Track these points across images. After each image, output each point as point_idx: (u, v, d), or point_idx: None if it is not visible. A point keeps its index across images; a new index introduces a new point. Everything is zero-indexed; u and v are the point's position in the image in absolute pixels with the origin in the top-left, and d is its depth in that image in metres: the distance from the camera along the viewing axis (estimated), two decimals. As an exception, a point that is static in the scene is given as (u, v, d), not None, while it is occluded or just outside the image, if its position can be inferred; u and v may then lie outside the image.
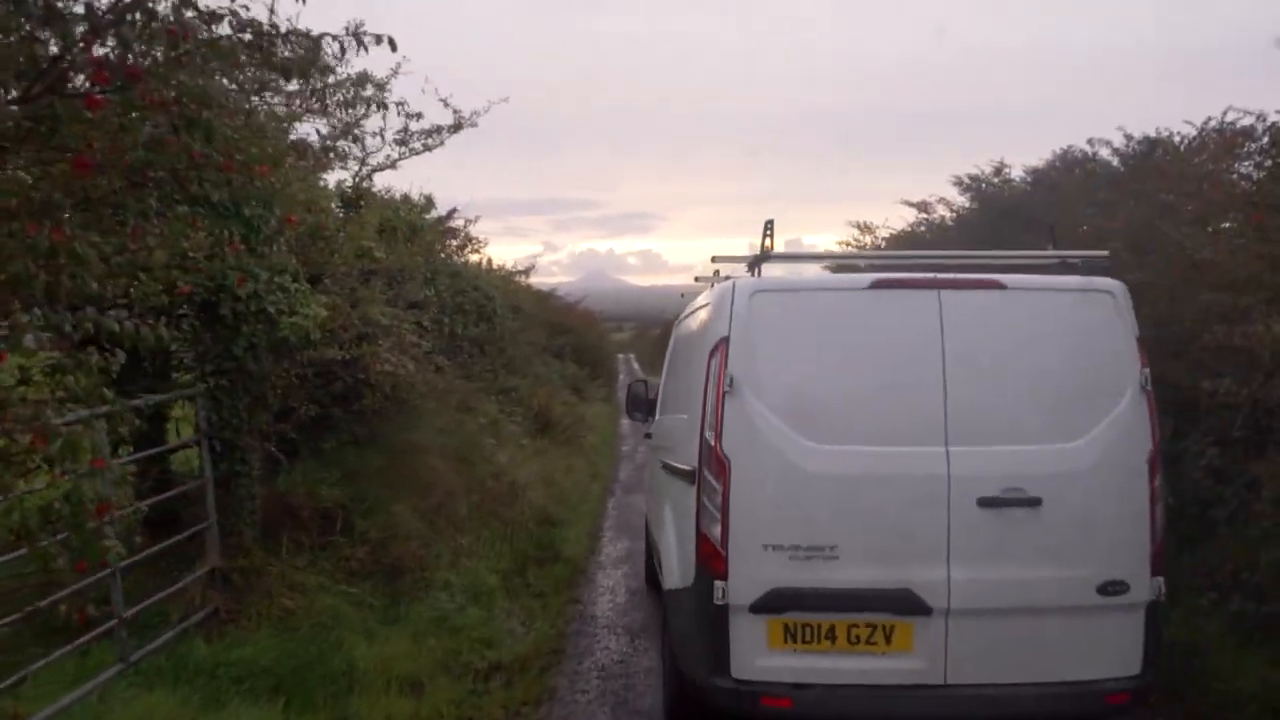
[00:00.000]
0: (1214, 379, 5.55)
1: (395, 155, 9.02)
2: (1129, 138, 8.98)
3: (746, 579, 3.16)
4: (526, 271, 21.62)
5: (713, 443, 3.26)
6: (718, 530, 3.21)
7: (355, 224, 7.29)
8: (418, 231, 10.66)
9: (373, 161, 8.92)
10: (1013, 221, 9.38)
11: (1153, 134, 8.80)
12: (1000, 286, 3.38)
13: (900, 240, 12.73)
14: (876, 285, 3.43)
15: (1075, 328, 3.31)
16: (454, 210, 14.64)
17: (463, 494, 7.50)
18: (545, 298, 26.83)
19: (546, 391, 15.05)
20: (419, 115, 8.90)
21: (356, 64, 7.32)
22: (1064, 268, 3.73)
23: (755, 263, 3.68)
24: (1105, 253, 3.84)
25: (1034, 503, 3.18)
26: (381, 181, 10.46)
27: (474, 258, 16.43)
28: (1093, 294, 3.33)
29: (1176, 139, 8.54)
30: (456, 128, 9.35)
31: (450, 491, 7.21)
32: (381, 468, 6.91)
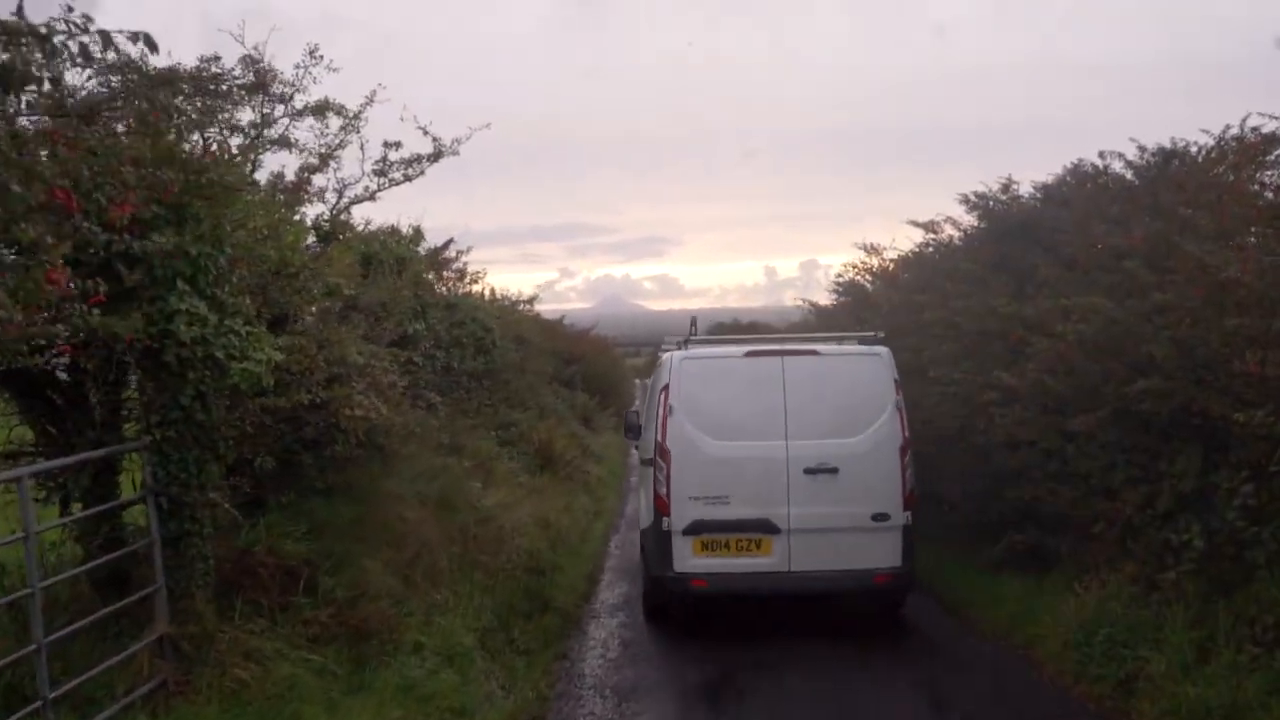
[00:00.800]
0: (1246, 409, 5.10)
1: (374, 186, 8.70)
2: (1143, 150, 8.55)
3: (679, 516, 6.44)
4: (531, 300, 21.31)
5: (661, 441, 6.59)
6: (664, 490, 6.52)
7: (324, 260, 6.94)
8: (405, 264, 10.34)
9: (350, 194, 8.58)
10: (1022, 241, 8.94)
11: (1168, 145, 8.36)
12: (816, 354, 6.93)
13: (908, 262, 12.39)
14: (748, 354, 6.97)
15: (859, 374, 6.68)
16: (450, 241, 14.35)
17: (443, 544, 7.08)
18: (553, 326, 26.54)
19: (548, 425, 14.67)
20: (398, 144, 8.59)
21: (315, 91, 7.04)
22: (864, 340, 7.38)
23: (685, 342, 7.37)
24: (882, 333, 7.32)
25: (834, 471, 6.57)
26: (361, 214, 10.14)
27: (475, 288, 16.20)
28: (870, 356, 6.70)
29: (1194, 149, 8.11)
30: (436, 156, 9.03)
31: (428, 542, 6.80)
32: (353, 519, 6.51)
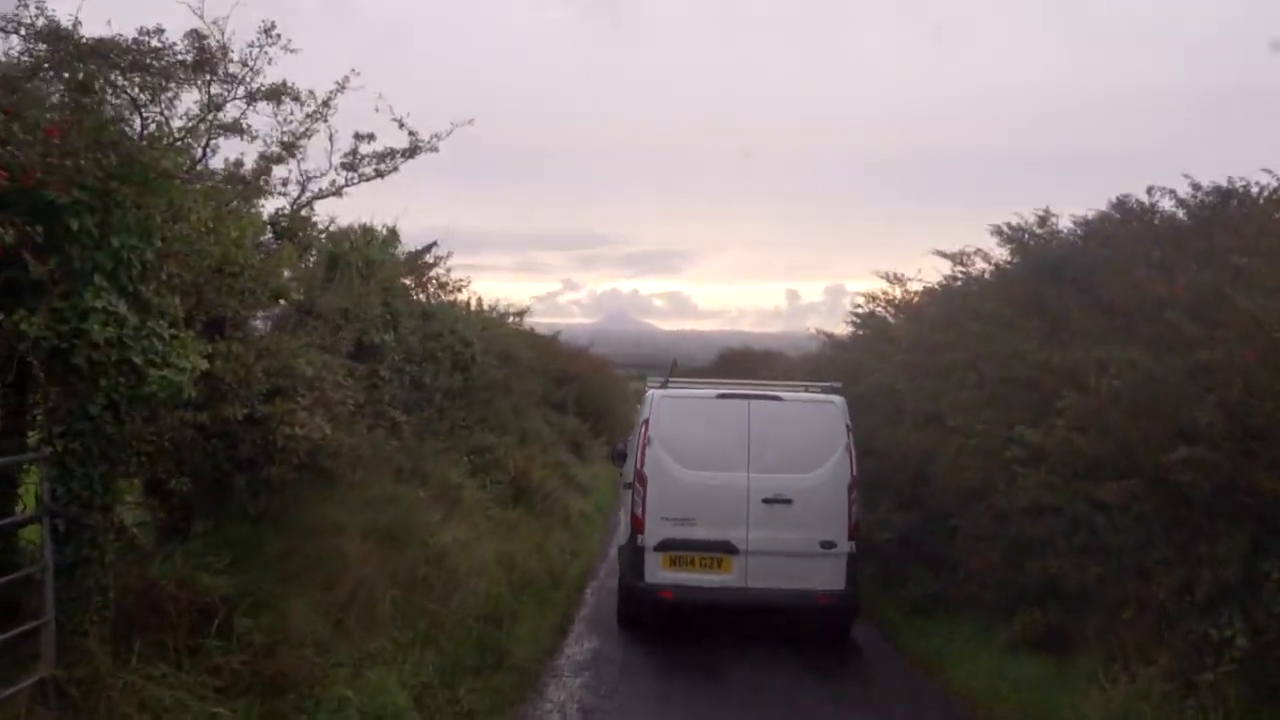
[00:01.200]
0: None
1: (342, 181, 8.50)
2: (1196, 187, 8.30)
3: (652, 534, 7.94)
4: (522, 313, 21.13)
5: (640, 468, 8.07)
6: (640, 510, 7.98)
7: (274, 259, 6.72)
8: (375, 267, 10.14)
9: (315, 188, 8.37)
10: (1057, 281, 8.70)
11: (1224, 184, 8.11)
12: (778, 399, 8.62)
13: (933, 296, 12.17)
14: (719, 396, 8.62)
15: (815, 419, 8.28)
16: (432, 245, 14.15)
17: (385, 585, 6.79)
18: (547, 343, 26.33)
19: (527, 453, 14.38)
20: (370, 136, 8.39)
21: (271, 73, 6.83)
22: (824, 389, 9.20)
23: (665, 382, 9.06)
24: (839, 384, 9.09)
25: (789, 502, 8.14)
26: (327, 210, 9.94)
27: (459, 297, 16.02)
28: (826, 403, 8.30)
29: (1254, 189, 7.87)
30: (412, 151, 8.84)
31: (367, 582, 6.51)
32: (283, 552, 6.23)
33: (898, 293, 13.69)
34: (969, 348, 9.08)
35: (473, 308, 18.67)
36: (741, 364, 37.27)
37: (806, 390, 9.41)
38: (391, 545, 7.37)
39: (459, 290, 15.76)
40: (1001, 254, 10.23)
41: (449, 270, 15.53)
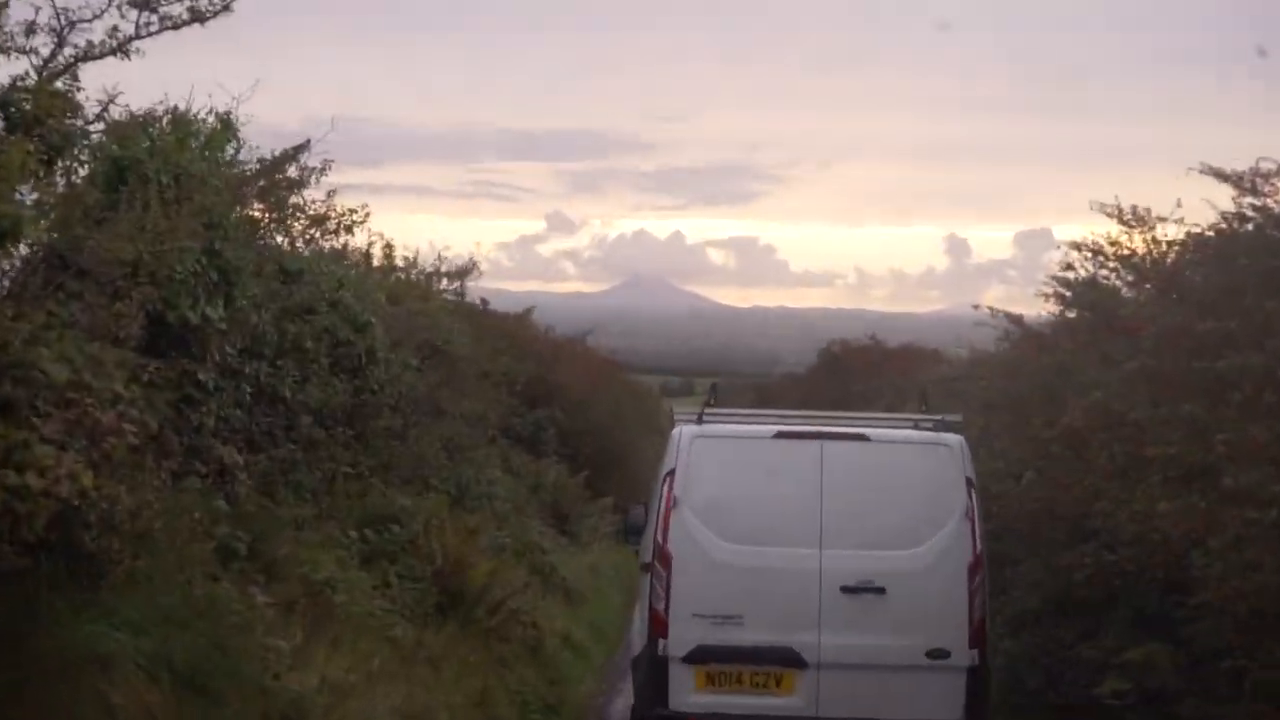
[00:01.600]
0: None
1: (129, 27, 8.45)
2: None
3: (679, 638, 9.16)
4: (463, 275, 21.30)
5: (662, 542, 9.23)
6: (662, 604, 9.16)
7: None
8: (192, 184, 10.13)
9: (79, 40, 8.33)
10: None
11: None
12: (865, 439, 10.01)
13: (1203, 250, 12.01)
14: (778, 435, 10.14)
15: (919, 469, 9.64)
16: (303, 148, 14.19)
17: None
18: (512, 327, 26.50)
19: (466, 525, 14.38)
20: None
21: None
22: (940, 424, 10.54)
23: (700, 415, 10.39)
24: (959, 417, 10.68)
25: (880, 590, 9.33)
26: (109, 81, 9.83)
27: (352, 242, 16.09)
28: (938, 446, 9.60)
29: None
30: (253, -22, 8.76)
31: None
32: (-2, 699, 6.17)
33: (1138, 243, 13.57)
34: (1271, 345, 9.04)
35: (375, 262, 18.87)
36: (859, 370, 37.51)
37: (912, 426, 10.77)
38: (200, 694, 7.30)
39: (348, 229, 15.87)
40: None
41: (332, 195, 15.74)
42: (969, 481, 9.99)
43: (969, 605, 9.77)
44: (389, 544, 13.24)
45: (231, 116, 11.62)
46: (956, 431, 10.42)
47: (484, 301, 27.27)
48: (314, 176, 13.97)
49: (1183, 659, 10.53)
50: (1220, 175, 11.63)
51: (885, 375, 33.24)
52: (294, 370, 12.48)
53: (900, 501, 10.08)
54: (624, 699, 13.26)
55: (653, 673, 9.85)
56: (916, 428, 10.69)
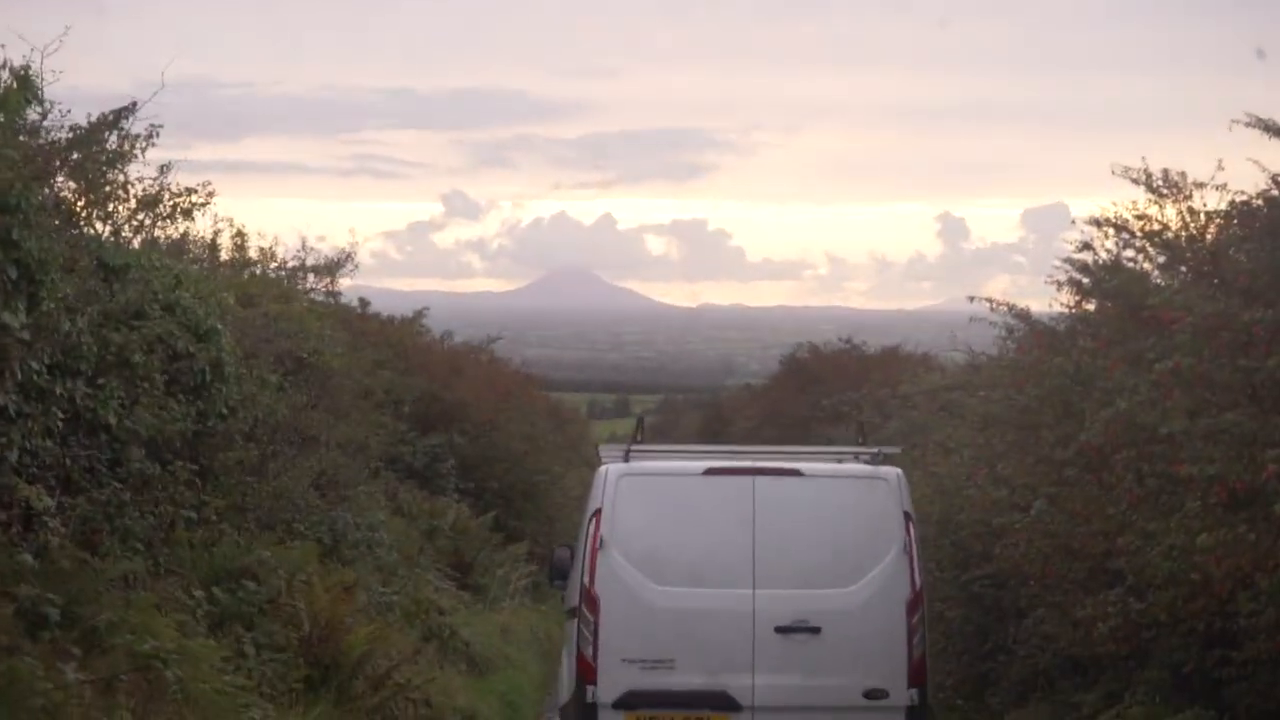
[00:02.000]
0: None
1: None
2: None
3: (609, 684, 11.06)
4: (333, 271, 21.14)
5: (589, 585, 11.16)
6: (590, 649, 11.06)
7: None
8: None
9: None
10: None
11: None
12: (799, 474, 11.87)
13: (1248, 224, 12.05)
14: (708, 472, 11.91)
15: (855, 504, 11.52)
16: (126, 112, 13.94)
17: None
18: (396, 335, 26.36)
19: (339, 581, 14.20)
20: None
21: None
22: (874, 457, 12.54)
23: (627, 452, 12.20)
24: (897, 449, 13.07)
25: (816, 630, 11.16)
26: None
27: (194, 229, 15.88)
28: (874, 480, 11.57)
29: None
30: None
31: None
32: None
33: (1171, 216, 13.57)
34: None
35: (223, 254, 18.66)
36: (831, 380, 37.48)
37: (845, 460, 12.57)
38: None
39: (186, 214, 15.65)
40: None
41: (165, 171, 15.51)
42: (907, 515, 11.74)
43: (908, 643, 11.50)
44: (243, 605, 13.08)
45: (32, 74, 11.35)
46: (894, 464, 12.18)
47: (363, 303, 27.12)
48: (138, 146, 13.62)
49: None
50: (1271, 129, 11.65)
51: (864, 386, 33.22)
52: (119, 390, 12.25)
53: (836, 538, 11.76)
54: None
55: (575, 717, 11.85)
56: (856, 460, 12.43)
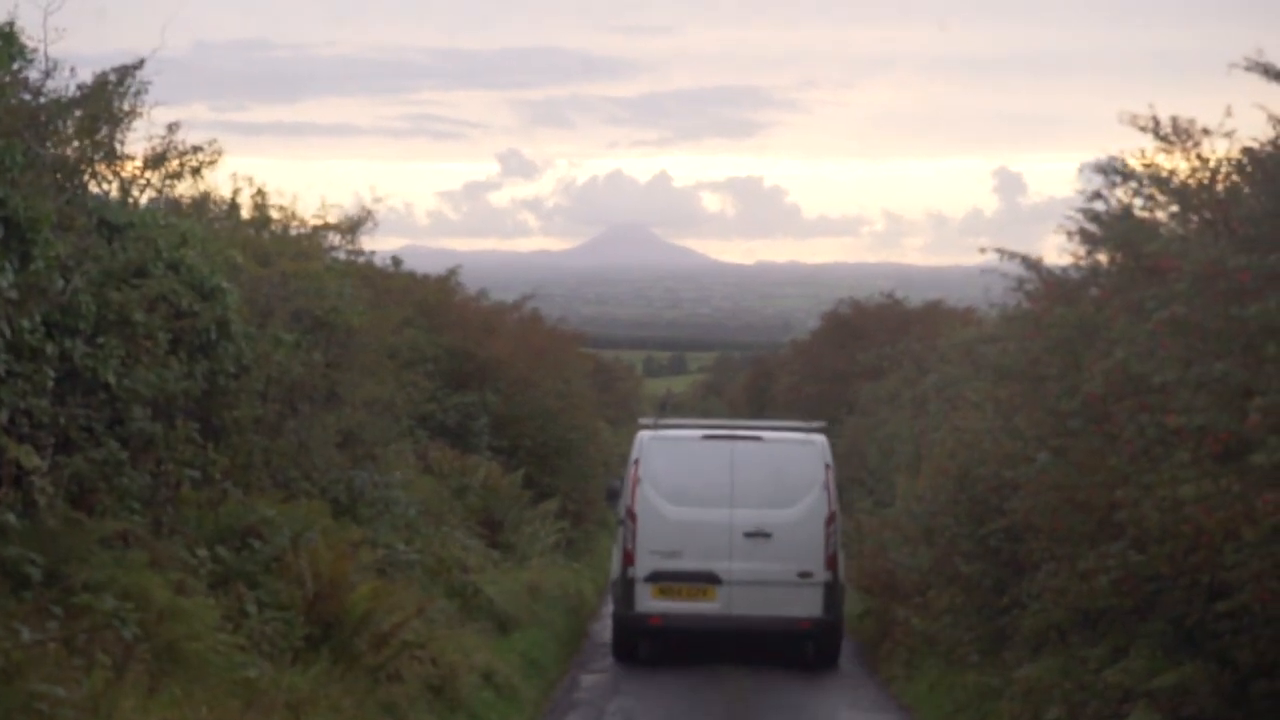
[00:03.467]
0: None
1: None
2: None
3: (642, 566, 19.82)
4: (354, 229, 21.06)
5: (631, 506, 20.03)
6: (631, 545, 19.94)
7: None
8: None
9: None
10: None
11: None
12: (760, 439, 21.26)
13: (1258, 171, 11.81)
14: (704, 438, 21.14)
15: (794, 458, 20.59)
16: (132, 70, 13.92)
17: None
18: (429, 293, 26.27)
19: (345, 540, 14.15)
20: None
21: None
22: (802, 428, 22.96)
23: (655, 423, 22.37)
24: (823, 423, 23.14)
25: (768, 535, 19.89)
26: None
27: (204, 187, 15.82)
28: (807, 444, 20.74)
29: None
30: None
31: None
32: None
33: (1181, 165, 13.31)
34: None
35: (245, 214, 18.63)
36: (872, 334, 37.20)
37: (790, 431, 20.83)
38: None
39: (195, 172, 15.61)
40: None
41: (174, 129, 15.48)
42: (827, 466, 19.85)
43: (825, 544, 19.38)
44: (247, 564, 13.15)
45: (14, 27, 11.29)
46: (820, 433, 20.77)
47: (396, 261, 27.03)
48: (139, 106, 13.57)
49: (1229, 680, 10.41)
50: (1272, 72, 11.42)
51: (905, 340, 32.85)
52: (119, 349, 12.21)
53: (781, 478, 19.69)
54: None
55: (625, 589, 19.55)
56: (797, 432, 21.00)
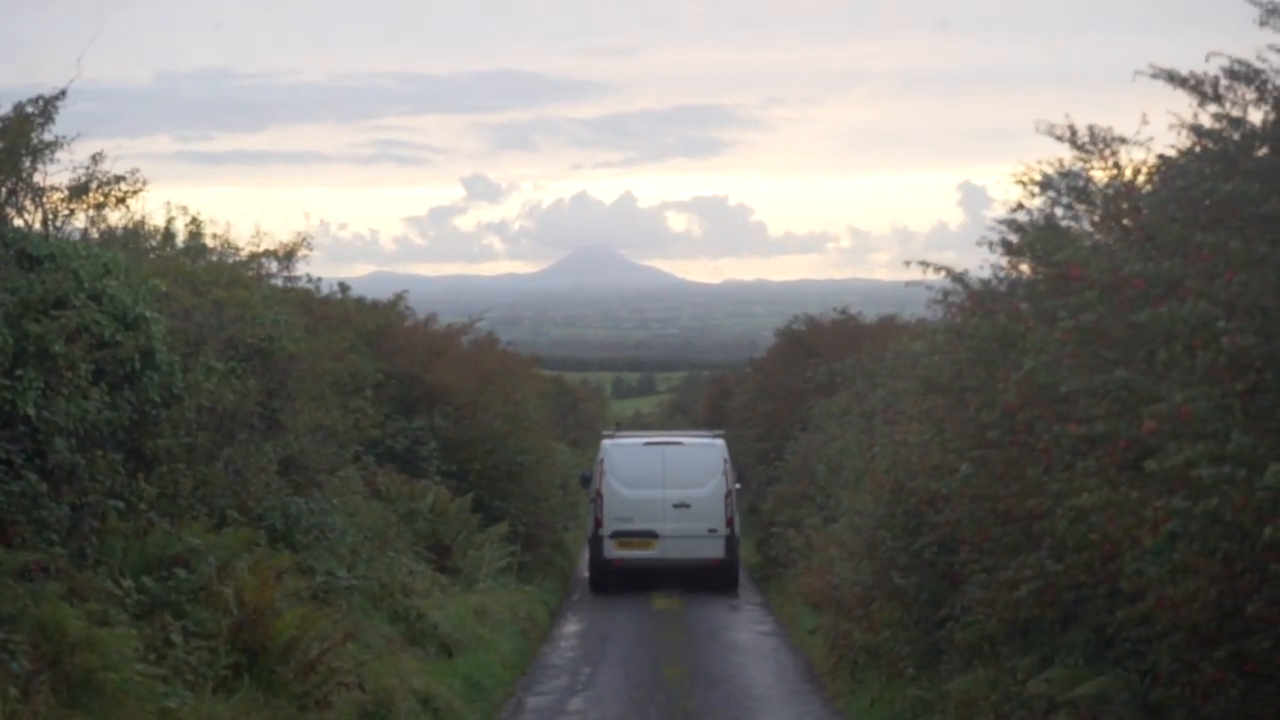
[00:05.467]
0: None
1: None
2: None
3: (608, 528, 31.68)
4: (291, 254, 21.00)
5: (599, 489, 31.96)
6: (600, 515, 31.74)
7: None
8: None
9: None
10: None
11: None
12: (681, 444, 34.66)
13: (1167, 179, 11.85)
14: (645, 444, 34.30)
15: (704, 454, 33.33)
16: (53, 100, 13.86)
17: None
18: (365, 320, 26.21)
19: (267, 570, 14.05)
20: None
21: None
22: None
23: (613, 433, 36.91)
24: (722, 430, 38.74)
25: (688, 506, 31.98)
26: None
27: (132, 215, 15.77)
28: (712, 445, 33.44)
29: None
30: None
31: None
32: None
33: (1099, 173, 13.36)
34: (1210, 288, 8.99)
35: (179, 240, 18.57)
36: (826, 350, 37.21)
37: (701, 437, 33.55)
38: None
39: (121, 202, 15.55)
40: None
41: (98, 160, 15.43)
42: (725, 459, 30.74)
43: (724, 510, 30.17)
44: (173, 593, 13.06)
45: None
46: (720, 438, 32.33)
47: (344, 287, 27.02)
48: (58, 139, 13.53)
49: (1146, 688, 10.43)
50: (1177, 80, 11.45)
51: (858, 354, 32.80)
52: (39, 381, 12.16)
53: (695, 468, 30.55)
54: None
55: (596, 544, 30.32)
56: (706, 437, 33.15)
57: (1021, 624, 12.89)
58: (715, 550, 30.23)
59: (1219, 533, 8.13)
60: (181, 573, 13.28)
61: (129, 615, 12.28)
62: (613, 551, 30.17)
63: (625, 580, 30.46)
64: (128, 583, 12.72)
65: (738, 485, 32.21)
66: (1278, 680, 8.16)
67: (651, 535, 29.95)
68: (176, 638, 12.52)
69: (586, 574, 32.09)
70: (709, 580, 30.45)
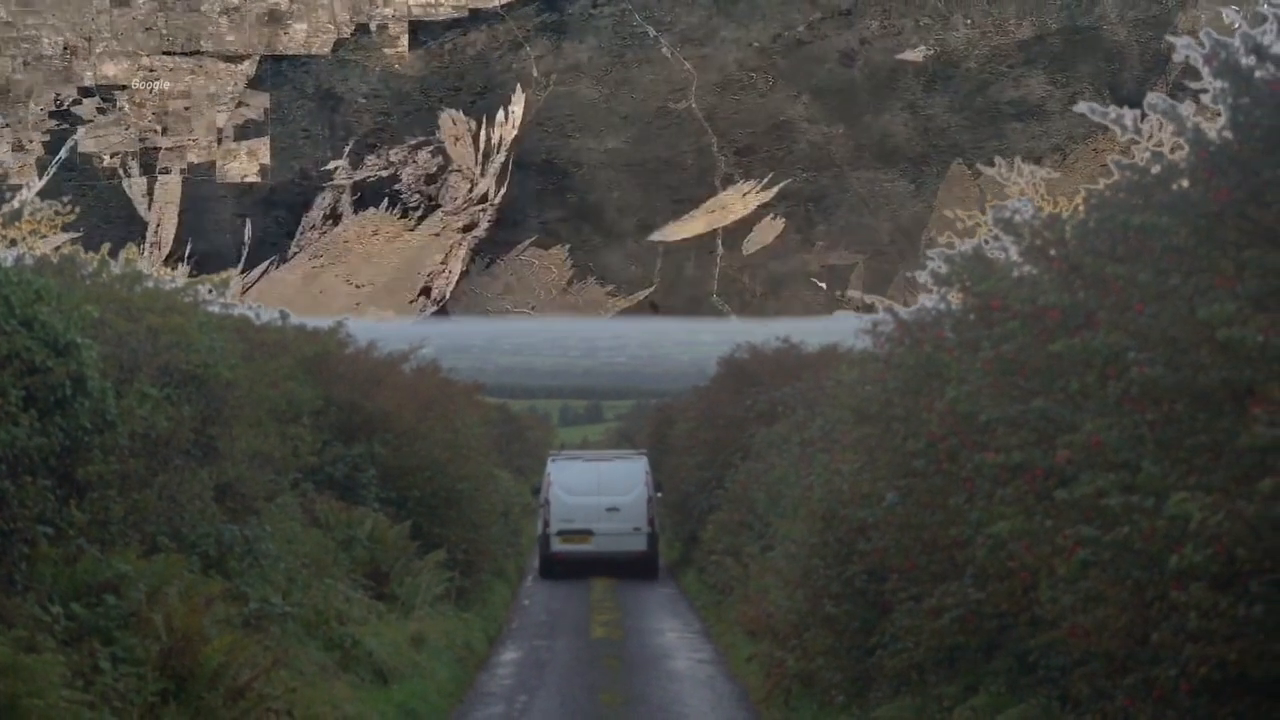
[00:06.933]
0: None
1: None
2: None
3: (554, 528, 40.54)
4: (225, 284, 20.96)
5: (547, 496, 40.87)
6: (549, 516, 40.70)
7: None
8: None
9: None
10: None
11: None
12: (611, 460, 45.86)
13: (1093, 209, 12.05)
14: (584, 460, 45.76)
15: (630, 468, 43.23)
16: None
17: None
18: (309, 346, 26.17)
19: (197, 596, 14.00)
20: None
21: None
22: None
23: (559, 454, 49.05)
24: (644, 450, 48.39)
25: (618, 509, 41.18)
26: None
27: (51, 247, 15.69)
28: (637, 460, 43.52)
29: None
30: None
31: None
32: None
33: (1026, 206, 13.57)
34: (1123, 319, 9.12)
35: (116, 270, 18.51)
36: (767, 380, 37.48)
37: (628, 454, 44.09)
38: None
39: (39, 235, 15.51)
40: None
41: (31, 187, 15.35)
42: (647, 473, 39.32)
43: (646, 512, 38.35)
44: (101, 620, 12.97)
45: None
46: (643, 456, 41.72)
47: (284, 315, 26.87)
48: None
49: (1067, 715, 10.53)
50: (1099, 114, 11.63)
51: (799, 383, 32.94)
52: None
53: (624, 480, 39.03)
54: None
55: (544, 541, 38.86)
56: (633, 454, 42.99)
57: (947, 651, 13.00)
58: (639, 544, 38.49)
59: (1129, 561, 8.24)
60: (111, 599, 13.20)
61: (56, 642, 12.20)
62: (558, 546, 38.54)
63: (568, 569, 38.43)
64: (56, 609, 12.64)
65: (658, 494, 40.17)
66: (1182, 709, 8.27)
67: (589, 533, 38.19)
68: (105, 664, 12.42)
69: (526, 602, 36.39)
70: (633, 568, 38.41)
